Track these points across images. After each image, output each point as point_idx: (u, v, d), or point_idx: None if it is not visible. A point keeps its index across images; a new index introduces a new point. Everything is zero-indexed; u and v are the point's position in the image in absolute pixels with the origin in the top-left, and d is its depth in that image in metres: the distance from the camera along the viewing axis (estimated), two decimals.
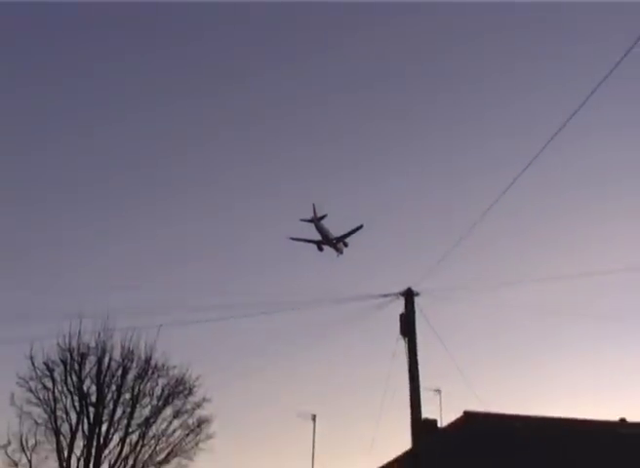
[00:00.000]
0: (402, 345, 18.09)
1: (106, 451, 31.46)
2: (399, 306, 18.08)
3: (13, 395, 31.49)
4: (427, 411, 28.80)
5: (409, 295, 17.99)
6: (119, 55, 76.76)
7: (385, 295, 18.13)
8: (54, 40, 76.84)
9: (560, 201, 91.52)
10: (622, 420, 34.89)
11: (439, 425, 31.27)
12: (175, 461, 32.52)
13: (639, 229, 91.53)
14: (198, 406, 33.02)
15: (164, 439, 32.47)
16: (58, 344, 31.55)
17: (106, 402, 31.84)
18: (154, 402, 32.59)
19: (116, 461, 31.40)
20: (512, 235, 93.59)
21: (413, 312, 17.88)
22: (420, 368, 18.02)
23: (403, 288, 18.04)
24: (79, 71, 76.04)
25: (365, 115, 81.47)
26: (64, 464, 30.97)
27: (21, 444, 30.99)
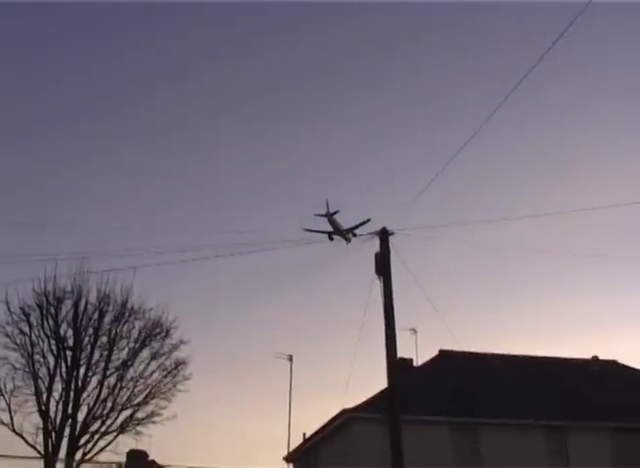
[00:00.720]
0: (377, 285, 18.15)
1: (85, 394, 31.60)
2: (374, 246, 18.10)
3: None
4: (403, 351, 29.21)
5: (384, 235, 18.00)
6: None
7: (360, 235, 18.16)
8: None
9: (539, 136, 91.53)
10: (595, 358, 35.57)
11: (415, 364, 31.78)
12: (153, 403, 32.73)
13: (619, 166, 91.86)
14: (175, 348, 33.09)
15: (142, 381, 32.58)
16: (33, 289, 31.43)
17: (83, 345, 31.87)
18: (131, 344, 32.64)
19: (95, 404, 31.56)
20: (490, 173, 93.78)
21: (388, 251, 17.89)
22: (395, 307, 18.07)
23: (378, 227, 18.04)
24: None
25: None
26: (43, 407, 31.11)
27: (0, 388, 31.09)
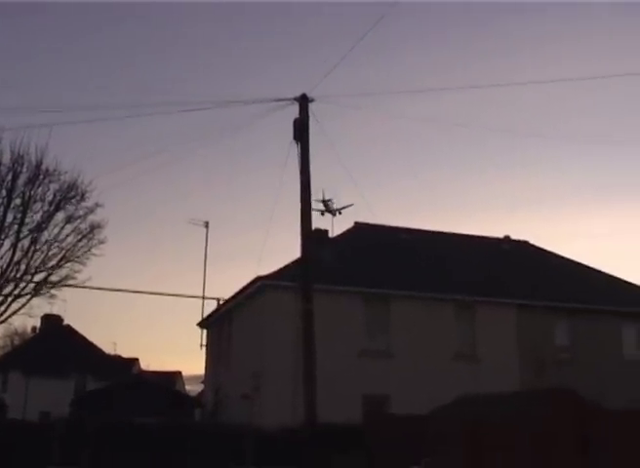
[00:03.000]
0: (295, 154, 17.95)
1: None
2: (294, 113, 17.80)
3: None
4: (319, 223, 29.47)
5: (303, 100, 17.71)
6: None
7: (279, 100, 17.79)
8: None
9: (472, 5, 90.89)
10: (506, 237, 36.46)
11: (330, 235, 32.05)
12: (67, 266, 32.44)
13: (556, 40, 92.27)
14: (91, 211, 32.54)
15: (56, 244, 32.12)
16: None
17: None
18: (46, 207, 31.96)
19: (8, 266, 31.15)
20: (417, 39, 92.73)
21: (307, 117, 17.64)
22: (313, 179, 17.99)
23: (299, 93, 17.69)
24: None
25: None
26: None
27: None
